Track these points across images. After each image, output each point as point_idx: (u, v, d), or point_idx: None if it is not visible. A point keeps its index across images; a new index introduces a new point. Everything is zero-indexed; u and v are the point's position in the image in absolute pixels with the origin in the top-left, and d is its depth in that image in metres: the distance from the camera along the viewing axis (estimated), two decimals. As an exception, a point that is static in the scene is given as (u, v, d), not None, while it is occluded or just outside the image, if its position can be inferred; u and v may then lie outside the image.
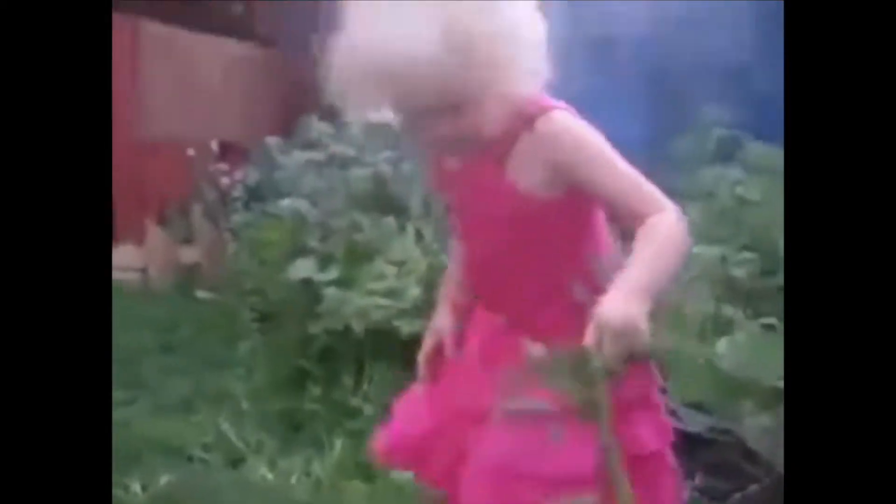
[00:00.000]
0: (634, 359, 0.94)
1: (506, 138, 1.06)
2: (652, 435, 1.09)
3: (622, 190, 1.03)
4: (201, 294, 2.81)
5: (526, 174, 1.06)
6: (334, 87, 1.03)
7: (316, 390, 2.06)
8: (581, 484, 1.02)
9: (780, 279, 2.02)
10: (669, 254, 0.99)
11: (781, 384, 1.42)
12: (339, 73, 1.02)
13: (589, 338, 0.93)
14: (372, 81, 0.99)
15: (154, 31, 3.36)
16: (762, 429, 1.42)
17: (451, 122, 1.00)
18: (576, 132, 1.06)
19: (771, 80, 2.97)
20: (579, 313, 1.02)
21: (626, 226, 1.04)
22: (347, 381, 2.04)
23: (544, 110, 1.06)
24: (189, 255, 3.15)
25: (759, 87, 2.86)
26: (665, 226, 1.00)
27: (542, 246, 1.10)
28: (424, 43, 0.96)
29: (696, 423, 1.57)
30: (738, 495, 1.44)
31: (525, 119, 1.05)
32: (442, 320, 1.20)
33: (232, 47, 3.77)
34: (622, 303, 0.93)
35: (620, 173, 1.04)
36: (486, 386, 1.07)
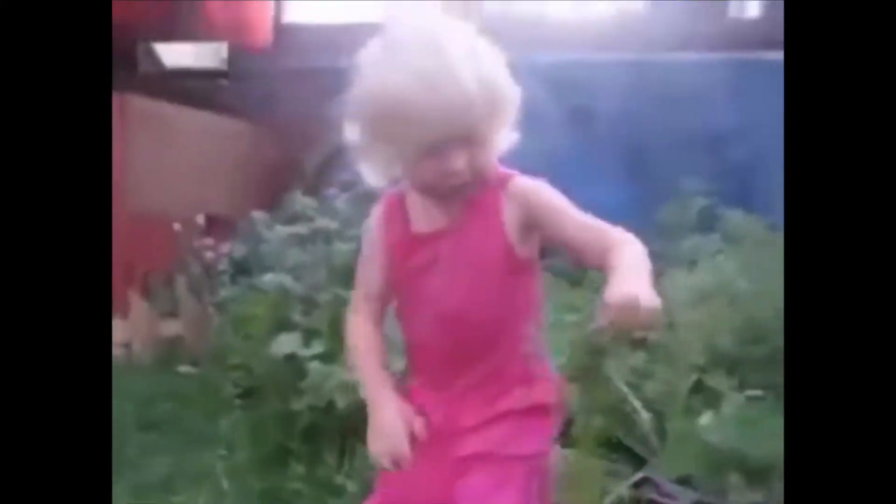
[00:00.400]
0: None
1: (491, 195, 1.17)
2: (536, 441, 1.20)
3: (589, 232, 1.14)
4: (183, 369, 2.77)
5: (510, 231, 1.16)
6: (360, 119, 1.14)
7: (299, 468, 2.02)
8: None
9: (764, 348, 2.02)
10: (644, 261, 1.07)
11: (767, 457, 1.41)
12: (368, 104, 1.12)
13: (602, 319, 1.02)
14: (405, 111, 1.08)
15: (141, 105, 3.40)
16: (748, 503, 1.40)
17: (465, 154, 1.11)
18: (540, 188, 1.18)
19: (747, 151, 3.04)
20: (528, 379, 1.19)
21: (594, 266, 1.13)
22: (331, 458, 2.01)
23: (510, 173, 1.19)
24: (172, 328, 3.13)
25: (735, 158, 2.91)
26: (634, 244, 1.10)
27: (508, 310, 1.19)
28: (460, 73, 1.07)
29: (684, 499, 1.55)
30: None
31: (500, 179, 1.17)
32: (401, 406, 1.21)
33: (219, 122, 3.82)
34: (628, 283, 1.01)
35: (584, 220, 1.15)
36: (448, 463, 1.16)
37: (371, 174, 1.19)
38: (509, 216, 1.17)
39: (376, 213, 1.25)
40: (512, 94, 1.14)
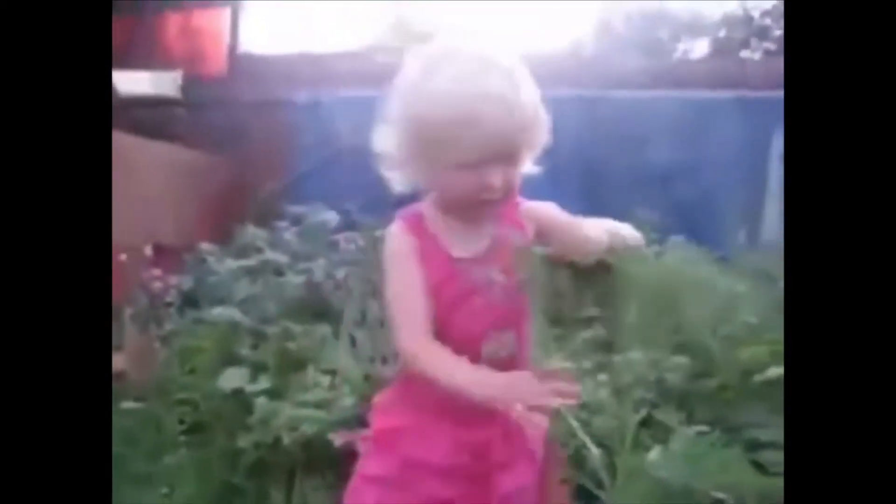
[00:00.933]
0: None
1: (512, 215, 1.22)
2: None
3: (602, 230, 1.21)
4: (126, 405, 2.69)
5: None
6: (401, 133, 1.15)
7: (244, 506, 1.97)
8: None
9: (712, 383, 2.03)
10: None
11: (714, 492, 1.40)
12: (413, 121, 1.13)
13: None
14: (455, 130, 1.10)
15: (90, 135, 3.35)
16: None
17: (502, 171, 1.14)
18: (551, 207, 1.25)
19: (698, 186, 3.10)
20: None
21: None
22: (277, 495, 1.96)
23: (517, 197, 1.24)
24: (116, 362, 3.04)
25: (685, 193, 2.96)
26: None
27: (526, 336, 1.23)
28: (512, 93, 1.11)
29: (635, 538, 1.53)
30: None
31: (513, 202, 1.23)
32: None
33: (170, 151, 3.77)
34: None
35: (597, 223, 1.23)
36: None
37: (399, 182, 1.19)
38: (530, 232, 1.22)
39: (401, 238, 1.20)
40: (544, 116, 1.18)
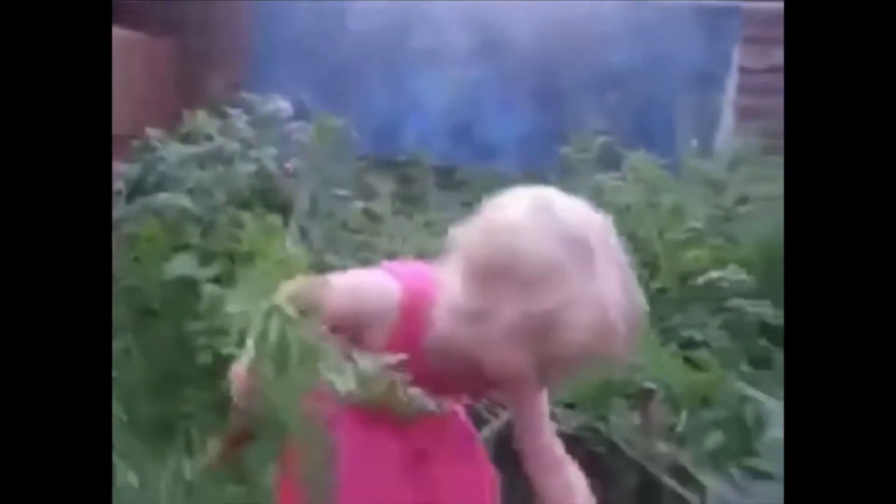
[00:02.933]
0: None
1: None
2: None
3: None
4: (73, 291, 2.68)
5: None
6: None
7: (192, 392, 1.99)
8: None
9: (654, 284, 2.10)
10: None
11: (644, 381, 1.47)
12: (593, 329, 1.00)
13: None
14: (616, 334, 1.00)
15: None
16: (628, 426, 1.47)
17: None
18: None
19: (648, 92, 3.11)
20: None
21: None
22: (225, 382, 1.98)
23: None
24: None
25: (639, 96, 2.97)
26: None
27: None
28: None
29: (569, 423, 1.61)
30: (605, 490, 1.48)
31: None
32: None
33: (118, 34, 3.62)
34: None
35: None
36: None
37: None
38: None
39: (390, 301, 1.09)
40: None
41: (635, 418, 1.48)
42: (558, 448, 1.19)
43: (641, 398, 1.49)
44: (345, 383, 0.90)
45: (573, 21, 3.16)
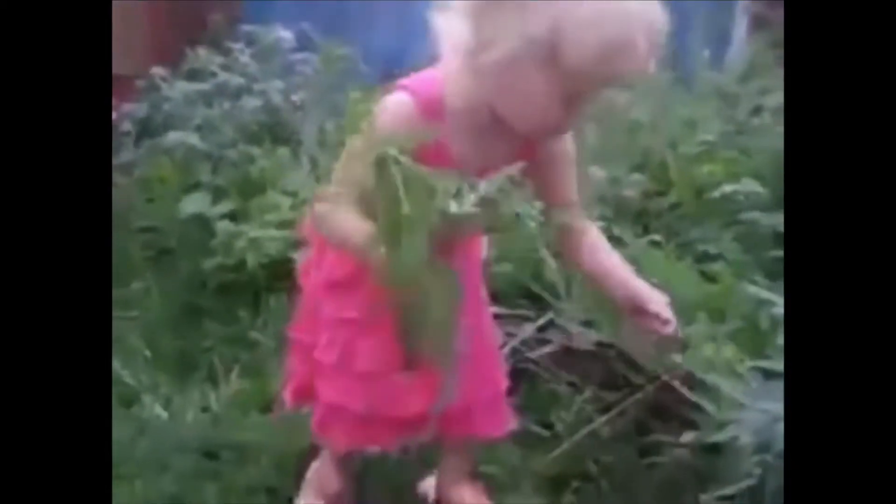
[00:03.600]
0: None
1: None
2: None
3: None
4: (90, 234, 2.70)
5: None
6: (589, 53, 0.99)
7: (212, 326, 2.02)
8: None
9: (668, 199, 2.08)
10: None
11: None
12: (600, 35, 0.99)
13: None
14: (635, 48, 0.99)
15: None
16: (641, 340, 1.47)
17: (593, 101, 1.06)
18: None
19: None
20: None
21: None
22: (244, 315, 2.01)
23: None
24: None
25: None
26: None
27: None
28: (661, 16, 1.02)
29: (586, 341, 1.62)
30: (623, 403, 1.51)
31: None
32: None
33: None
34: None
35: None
36: None
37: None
38: None
39: (405, 115, 1.05)
40: None
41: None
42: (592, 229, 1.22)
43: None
44: (462, 206, 0.92)
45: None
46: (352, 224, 1.06)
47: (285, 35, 2.57)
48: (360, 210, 1.05)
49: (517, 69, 1.00)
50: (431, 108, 1.06)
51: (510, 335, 1.64)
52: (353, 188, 1.05)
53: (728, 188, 1.97)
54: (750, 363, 1.24)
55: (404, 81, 1.10)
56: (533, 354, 1.65)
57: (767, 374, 1.22)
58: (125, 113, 2.90)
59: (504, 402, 1.30)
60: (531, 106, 1.03)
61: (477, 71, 1.03)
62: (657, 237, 1.81)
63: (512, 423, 1.31)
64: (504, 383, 1.29)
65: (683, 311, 1.24)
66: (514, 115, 1.05)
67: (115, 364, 1.89)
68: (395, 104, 1.08)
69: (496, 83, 1.03)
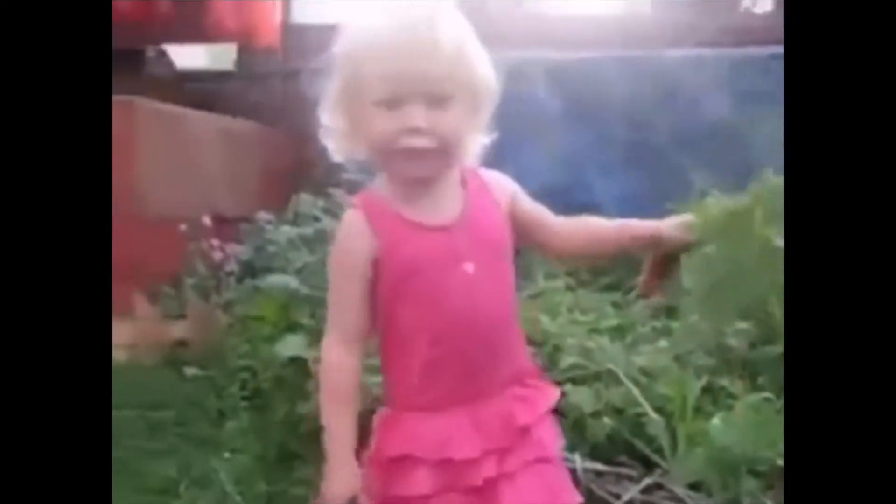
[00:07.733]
0: None
1: (477, 182, 1.16)
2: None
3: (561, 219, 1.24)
4: (190, 371, 2.76)
5: (507, 220, 1.17)
6: (334, 71, 1.14)
7: (305, 471, 2.00)
8: None
9: (776, 349, 1.98)
10: None
11: (781, 460, 1.38)
12: (342, 46, 1.13)
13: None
14: (373, 59, 1.09)
15: (148, 108, 3.39)
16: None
17: (424, 113, 1.08)
18: (509, 179, 1.21)
19: (758, 143, 3.00)
20: (541, 378, 1.21)
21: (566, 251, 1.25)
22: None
23: (474, 166, 1.18)
24: (179, 330, 3.12)
25: (746, 150, 2.87)
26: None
27: (512, 305, 1.17)
28: (439, 25, 1.08)
29: (700, 504, 1.52)
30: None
31: (471, 170, 1.17)
32: (354, 473, 1.18)
33: (226, 123, 3.81)
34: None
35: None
36: None
37: (336, 146, 1.17)
38: (502, 204, 1.17)
39: (351, 223, 1.14)
40: (490, 86, 1.13)
41: (768, 499, 1.38)
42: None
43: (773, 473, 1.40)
44: None
45: (667, 78, 3.11)
46: (332, 428, 1.17)
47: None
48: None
49: (340, 108, 1.18)
50: (364, 198, 1.17)
51: (614, 495, 1.55)
52: (340, 310, 1.16)
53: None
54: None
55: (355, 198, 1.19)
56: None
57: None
58: (230, 254, 3.03)
59: None
60: (373, 128, 1.12)
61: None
62: (768, 394, 1.72)
63: None
64: None
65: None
66: (369, 143, 1.14)
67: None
68: (346, 220, 1.17)
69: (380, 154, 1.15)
